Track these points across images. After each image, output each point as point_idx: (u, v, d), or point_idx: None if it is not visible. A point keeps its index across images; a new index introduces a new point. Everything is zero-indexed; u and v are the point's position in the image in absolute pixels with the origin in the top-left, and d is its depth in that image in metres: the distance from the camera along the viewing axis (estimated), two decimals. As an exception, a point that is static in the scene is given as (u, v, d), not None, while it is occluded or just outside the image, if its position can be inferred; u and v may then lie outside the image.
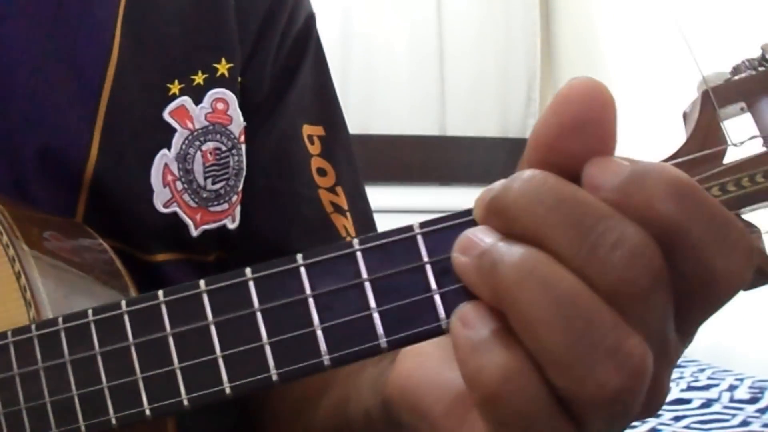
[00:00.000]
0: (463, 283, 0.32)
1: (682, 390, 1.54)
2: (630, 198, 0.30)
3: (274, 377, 0.33)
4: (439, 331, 0.32)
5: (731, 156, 0.33)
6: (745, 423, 1.38)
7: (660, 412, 1.43)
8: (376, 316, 0.33)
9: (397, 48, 2.53)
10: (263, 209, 0.67)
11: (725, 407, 1.45)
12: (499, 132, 2.62)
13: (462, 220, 0.33)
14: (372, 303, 0.33)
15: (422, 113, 2.56)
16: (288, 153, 0.68)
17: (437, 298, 0.33)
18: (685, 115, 0.34)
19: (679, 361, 1.77)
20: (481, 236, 0.32)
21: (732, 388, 1.53)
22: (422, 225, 0.33)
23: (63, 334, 0.38)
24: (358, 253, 0.33)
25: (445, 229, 0.33)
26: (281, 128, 0.68)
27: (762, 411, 1.43)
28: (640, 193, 0.30)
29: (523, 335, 0.30)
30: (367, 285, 0.33)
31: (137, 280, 0.54)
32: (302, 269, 0.33)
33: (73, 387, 0.37)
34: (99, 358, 0.36)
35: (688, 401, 1.49)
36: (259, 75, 0.67)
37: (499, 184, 0.32)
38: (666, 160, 0.33)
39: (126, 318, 0.36)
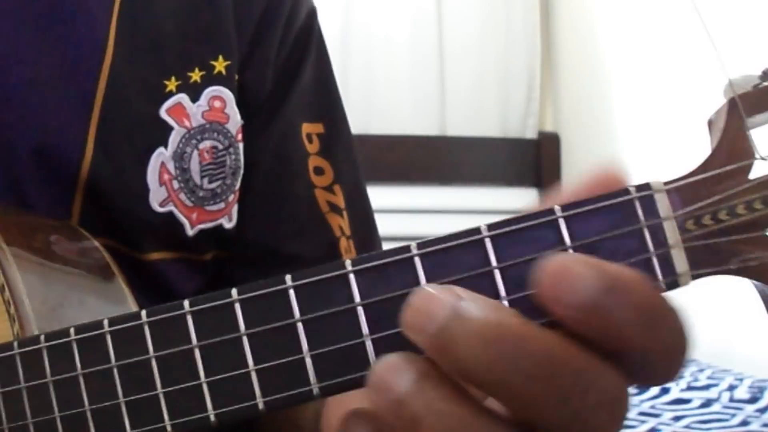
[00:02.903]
0: None
1: (682, 390, 1.54)
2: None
3: (261, 405, 0.32)
4: None
5: (758, 170, 0.30)
6: (744, 423, 1.38)
7: (660, 412, 1.43)
8: (368, 343, 0.31)
9: (397, 48, 2.52)
10: (259, 209, 0.66)
11: (725, 407, 1.45)
12: (499, 132, 2.62)
13: (463, 240, 0.31)
14: (365, 329, 0.31)
15: (422, 113, 2.55)
16: (287, 153, 0.68)
17: None
18: (710, 124, 0.32)
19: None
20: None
21: (732, 387, 1.53)
22: (420, 246, 0.31)
23: (45, 353, 0.36)
24: (351, 276, 0.31)
25: (444, 251, 0.31)
26: (283, 129, 0.67)
27: (762, 410, 1.43)
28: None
29: None
30: (360, 310, 0.31)
31: (132, 279, 0.53)
32: (291, 291, 0.32)
33: (55, 408, 0.36)
34: (81, 379, 0.35)
35: (687, 401, 1.49)
36: (260, 73, 0.66)
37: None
38: (690, 175, 0.31)
39: (108, 338, 0.35)
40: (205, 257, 0.64)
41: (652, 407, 1.47)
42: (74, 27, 0.59)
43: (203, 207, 0.62)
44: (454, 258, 0.31)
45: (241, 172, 0.64)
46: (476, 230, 0.31)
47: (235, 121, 0.63)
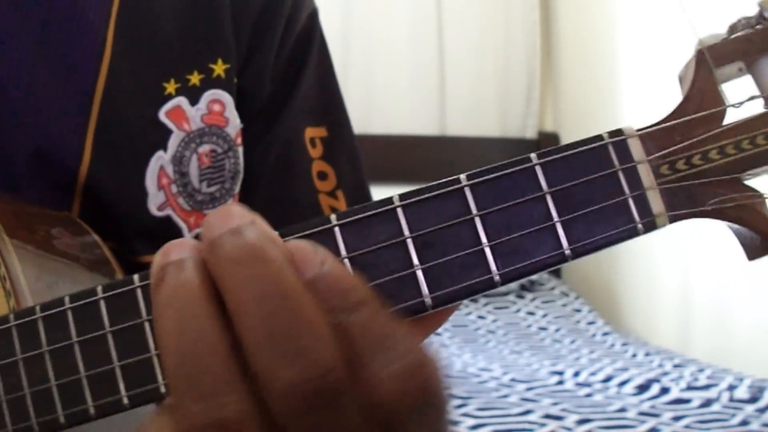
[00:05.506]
0: (449, 257, 0.31)
1: (682, 390, 1.54)
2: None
3: None
4: (421, 308, 0.31)
5: (731, 117, 0.31)
6: (744, 422, 1.38)
7: (660, 412, 1.42)
8: None
9: (398, 48, 2.53)
10: (263, 215, 0.65)
11: (725, 407, 1.45)
12: (499, 132, 2.62)
13: (443, 191, 0.32)
14: None
15: (422, 113, 2.56)
16: (290, 160, 0.67)
17: (420, 274, 0.31)
18: (680, 78, 0.33)
19: (679, 361, 1.74)
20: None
21: (731, 387, 1.53)
22: (402, 197, 0.32)
23: (41, 323, 0.37)
24: (337, 229, 0.32)
25: (426, 201, 0.32)
26: (286, 134, 0.67)
27: (761, 410, 1.43)
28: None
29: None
30: (347, 263, 0.32)
31: None
32: None
33: (52, 377, 0.36)
34: (76, 347, 0.36)
35: (687, 401, 1.49)
36: (259, 77, 0.66)
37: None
38: (661, 122, 0.32)
39: (102, 304, 0.35)
40: None
41: (652, 407, 1.47)
42: (72, 30, 0.59)
43: (202, 211, 0.62)
44: (436, 207, 0.32)
45: (241, 175, 0.64)
46: (456, 180, 0.32)
47: (234, 124, 0.63)
